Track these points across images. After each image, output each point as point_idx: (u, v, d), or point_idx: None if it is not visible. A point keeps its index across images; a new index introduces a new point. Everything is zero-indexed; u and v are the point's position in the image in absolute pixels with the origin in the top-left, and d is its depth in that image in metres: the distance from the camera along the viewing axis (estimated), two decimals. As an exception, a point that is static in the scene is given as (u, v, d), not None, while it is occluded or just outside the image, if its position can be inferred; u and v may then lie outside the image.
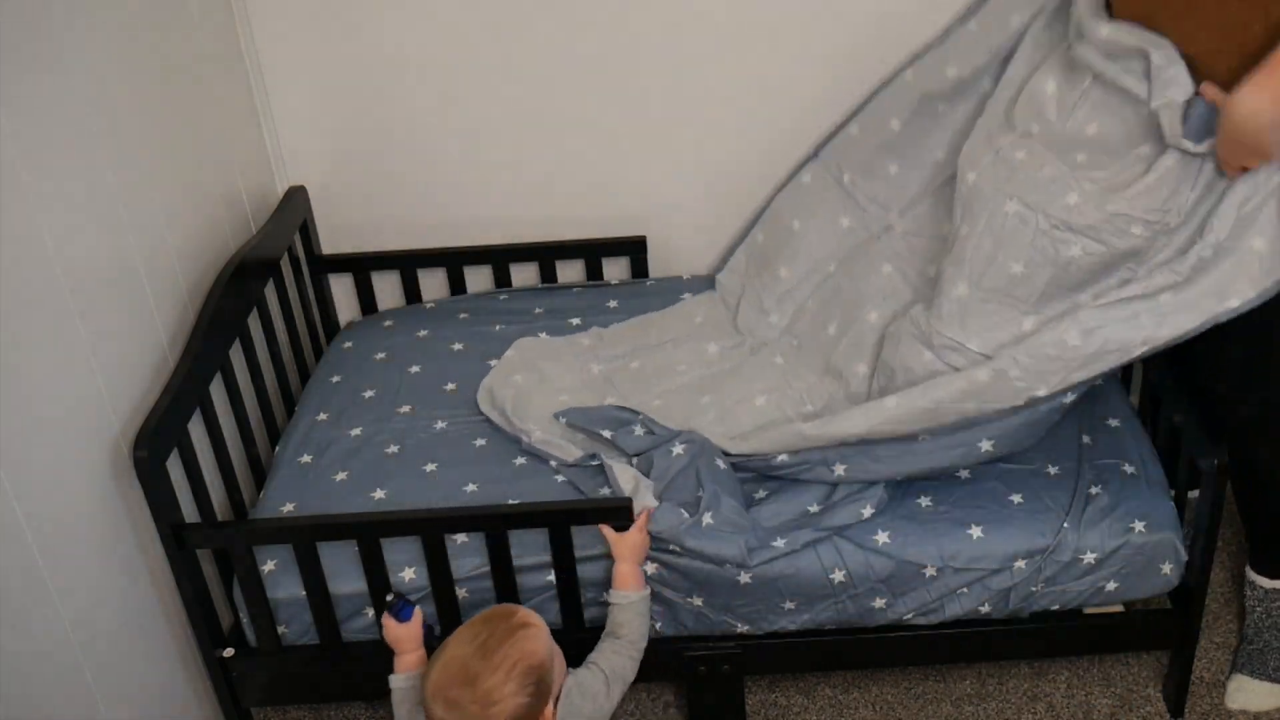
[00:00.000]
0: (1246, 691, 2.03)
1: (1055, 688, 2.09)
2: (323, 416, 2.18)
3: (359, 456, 2.07)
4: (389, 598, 1.75)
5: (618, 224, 2.49)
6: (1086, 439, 2.00)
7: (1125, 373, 2.20)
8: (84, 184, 1.72)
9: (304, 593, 1.85)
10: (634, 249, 2.50)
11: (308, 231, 2.44)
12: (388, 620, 1.74)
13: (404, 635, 1.74)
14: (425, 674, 1.57)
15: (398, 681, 1.73)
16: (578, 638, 1.82)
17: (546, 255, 2.50)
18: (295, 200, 2.38)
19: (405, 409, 2.17)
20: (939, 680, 2.12)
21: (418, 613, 1.74)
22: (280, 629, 1.90)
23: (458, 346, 2.33)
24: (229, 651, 1.90)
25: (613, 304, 2.42)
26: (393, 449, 2.07)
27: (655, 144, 2.41)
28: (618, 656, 1.72)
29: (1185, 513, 1.91)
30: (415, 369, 2.27)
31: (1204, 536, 1.83)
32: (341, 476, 2.03)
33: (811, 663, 2.00)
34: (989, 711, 2.07)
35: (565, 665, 1.66)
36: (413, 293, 2.54)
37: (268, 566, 1.87)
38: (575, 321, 2.38)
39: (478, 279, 2.55)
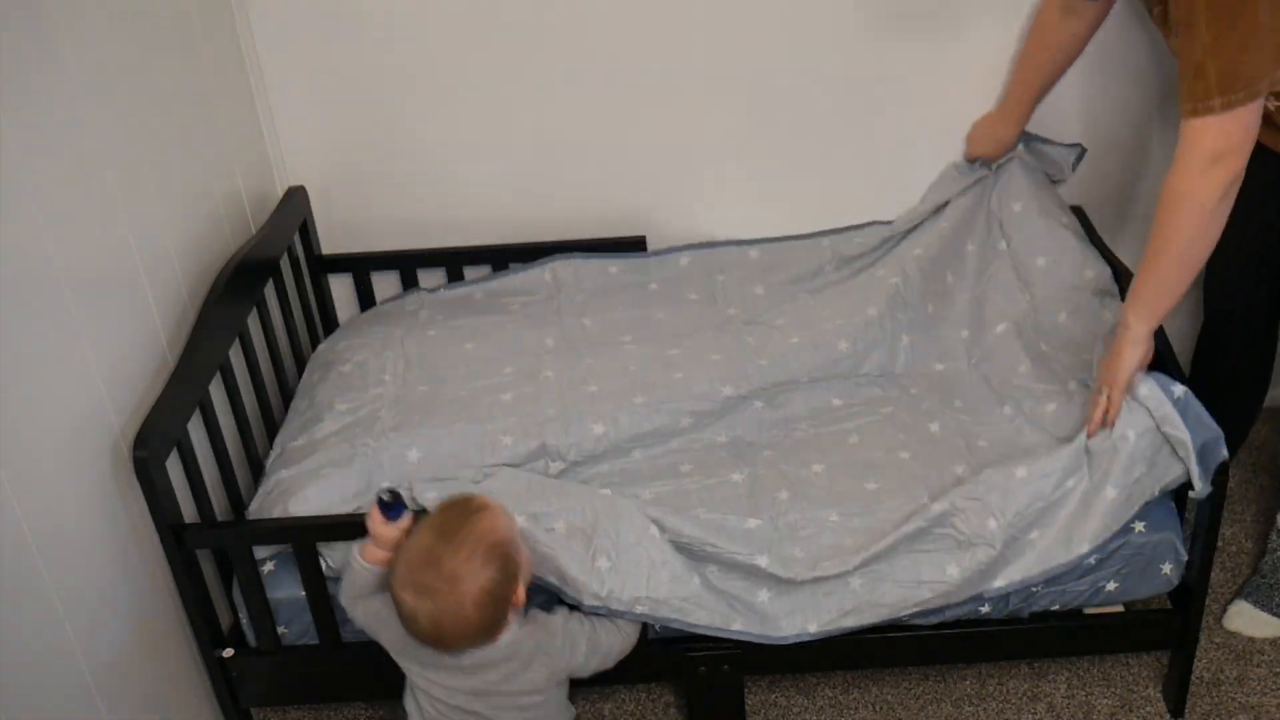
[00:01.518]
0: (1246, 617, 2.19)
1: (1055, 688, 2.09)
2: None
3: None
4: (383, 494, 1.66)
5: (618, 224, 2.49)
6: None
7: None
8: (84, 184, 1.72)
9: (304, 593, 1.85)
10: (634, 249, 2.50)
11: (308, 231, 2.44)
12: (375, 514, 1.67)
13: (385, 535, 1.68)
14: (393, 569, 1.59)
15: (360, 563, 1.71)
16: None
17: (546, 255, 2.50)
18: (295, 200, 2.38)
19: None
20: (939, 680, 2.12)
21: (407, 516, 1.67)
22: (280, 629, 1.90)
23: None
24: (229, 651, 1.90)
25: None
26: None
27: (655, 144, 2.41)
28: (609, 635, 1.73)
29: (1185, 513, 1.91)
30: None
31: (1204, 536, 1.83)
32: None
33: (811, 663, 2.00)
34: (989, 711, 2.06)
35: (531, 558, 1.68)
36: (413, 293, 2.54)
37: (268, 567, 1.87)
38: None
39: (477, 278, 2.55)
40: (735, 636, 1.80)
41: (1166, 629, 1.95)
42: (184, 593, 1.83)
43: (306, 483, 1.88)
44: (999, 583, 1.81)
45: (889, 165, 2.43)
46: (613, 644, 1.74)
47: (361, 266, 2.51)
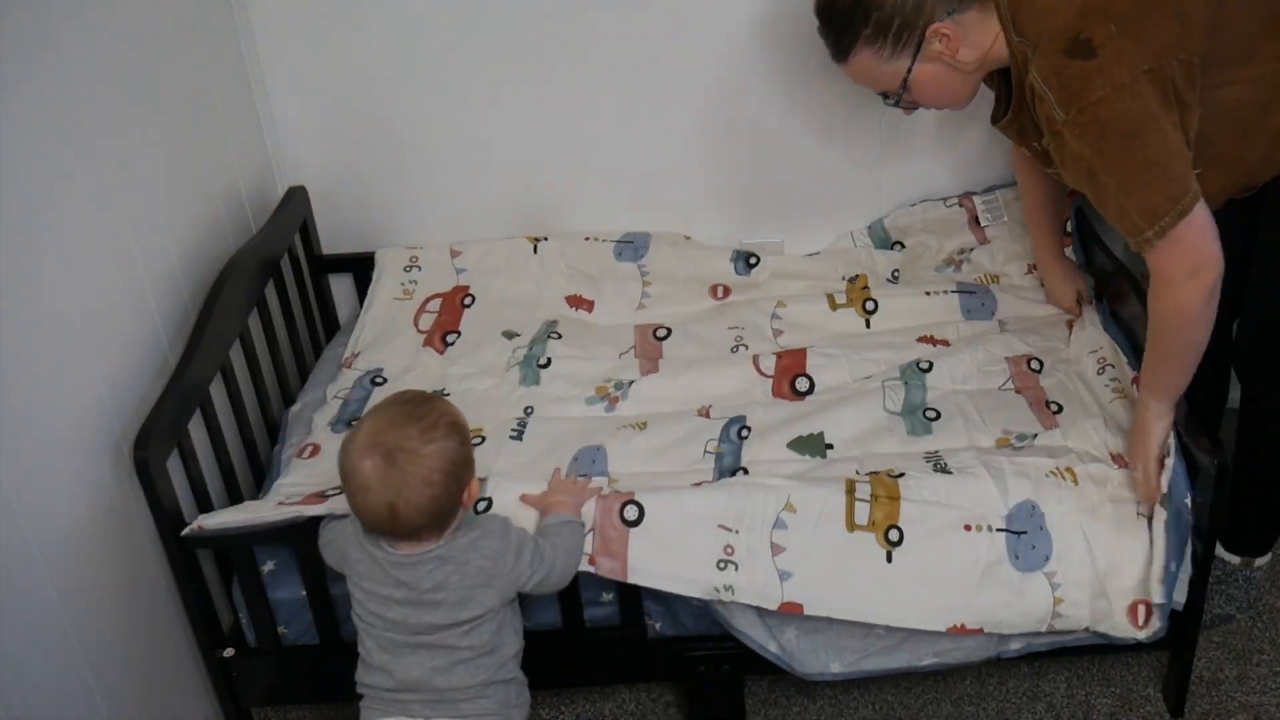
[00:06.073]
0: None
1: (1055, 688, 2.09)
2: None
3: None
4: None
5: (617, 224, 2.49)
6: (1087, 439, 2.00)
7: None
8: (84, 184, 1.72)
9: (304, 593, 1.85)
10: (634, 249, 2.50)
11: (308, 231, 2.44)
12: None
13: None
14: (351, 437, 1.56)
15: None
16: (578, 637, 1.82)
17: (546, 255, 2.50)
18: (295, 200, 2.38)
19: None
20: (939, 680, 2.12)
21: None
22: (280, 629, 1.90)
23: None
24: (229, 651, 1.90)
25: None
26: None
27: (655, 143, 2.41)
28: (553, 549, 1.68)
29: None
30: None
31: (1203, 535, 1.83)
32: None
33: (811, 663, 2.00)
34: (989, 711, 2.07)
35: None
36: (413, 293, 2.54)
37: (268, 566, 1.87)
38: None
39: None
40: (770, 658, 1.81)
41: (1167, 629, 1.95)
42: (184, 593, 1.83)
43: None
44: (1015, 645, 1.83)
45: (887, 169, 2.43)
46: (555, 559, 1.68)
47: (361, 266, 2.51)
